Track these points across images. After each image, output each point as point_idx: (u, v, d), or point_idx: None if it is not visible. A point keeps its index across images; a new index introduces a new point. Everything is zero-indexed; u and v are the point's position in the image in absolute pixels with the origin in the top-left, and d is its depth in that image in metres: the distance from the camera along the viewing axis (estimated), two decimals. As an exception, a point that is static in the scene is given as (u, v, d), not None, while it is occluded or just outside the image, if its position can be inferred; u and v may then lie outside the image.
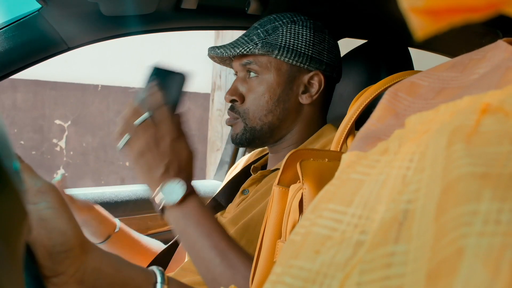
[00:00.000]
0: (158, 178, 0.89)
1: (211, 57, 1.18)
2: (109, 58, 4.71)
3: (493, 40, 0.40)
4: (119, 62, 4.78)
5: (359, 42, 1.37)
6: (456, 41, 1.41)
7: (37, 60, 1.17)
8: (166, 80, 0.95)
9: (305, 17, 1.14)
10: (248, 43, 1.10)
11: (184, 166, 0.91)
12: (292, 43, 1.09)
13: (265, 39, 1.10)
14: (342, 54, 1.26)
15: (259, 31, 1.12)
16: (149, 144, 0.89)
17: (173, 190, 0.88)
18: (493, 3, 0.21)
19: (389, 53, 1.30)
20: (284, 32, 1.10)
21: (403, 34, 1.40)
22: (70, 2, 1.12)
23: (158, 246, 1.31)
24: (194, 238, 0.87)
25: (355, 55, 1.33)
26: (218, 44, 3.81)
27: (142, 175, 0.90)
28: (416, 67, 1.31)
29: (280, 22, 1.12)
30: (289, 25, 1.11)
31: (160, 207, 0.89)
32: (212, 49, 1.14)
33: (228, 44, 1.13)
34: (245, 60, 1.11)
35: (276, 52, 1.08)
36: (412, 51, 1.35)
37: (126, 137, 0.91)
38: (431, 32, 0.22)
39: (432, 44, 1.52)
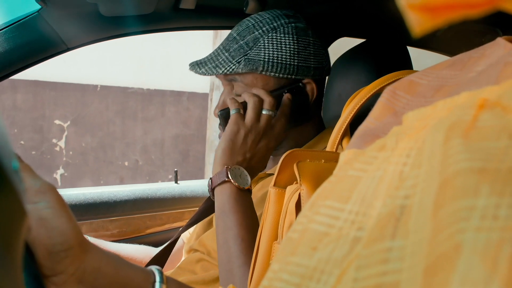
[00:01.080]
0: (231, 161, 0.95)
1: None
2: (109, 58, 4.71)
3: (493, 38, 0.40)
4: (118, 63, 4.78)
5: (357, 41, 1.37)
6: (455, 40, 1.41)
7: (36, 61, 1.17)
8: (297, 101, 1.07)
9: (286, 20, 1.07)
10: (230, 61, 1.05)
11: (257, 168, 0.99)
12: (276, 55, 1.03)
13: (246, 55, 1.04)
14: (340, 54, 1.26)
15: (239, 44, 1.06)
16: (250, 133, 0.98)
17: (240, 177, 0.94)
18: (491, 0, 0.21)
19: (387, 52, 1.29)
20: (266, 44, 1.04)
21: (402, 33, 1.40)
22: (69, 3, 1.12)
23: (142, 252, 1.32)
24: (231, 224, 0.89)
25: (353, 54, 1.32)
26: (217, 44, 3.82)
27: (221, 150, 0.96)
28: (415, 67, 1.31)
29: (260, 31, 1.05)
30: (270, 34, 1.04)
31: (216, 185, 0.93)
32: (193, 67, 1.09)
33: (209, 62, 1.07)
34: (230, 78, 1.07)
35: (261, 68, 1.03)
36: (411, 50, 1.35)
37: (235, 111, 0.99)
38: (428, 29, 0.22)
39: (431, 43, 1.51)
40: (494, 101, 0.27)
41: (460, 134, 0.26)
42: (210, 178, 0.96)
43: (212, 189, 0.95)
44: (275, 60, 1.04)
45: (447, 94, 0.38)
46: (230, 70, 1.04)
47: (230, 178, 0.92)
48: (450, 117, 0.28)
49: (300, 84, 1.07)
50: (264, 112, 0.99)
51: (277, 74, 1.04)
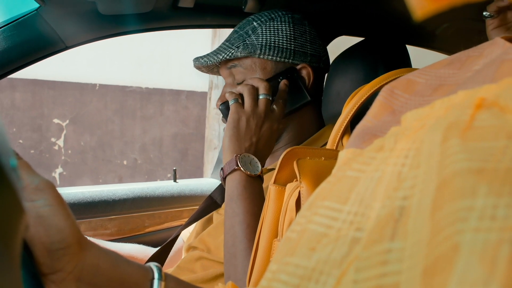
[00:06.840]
0: (239, 148, 0.97)
1: (198, 68, 1.18)
2: (107, 57, 4.70)
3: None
4: (117, 61, 4.77)
5: (356, 40, 1.37)
6: (454, 38, 1.41)
7: (35, 59, 1.16)
8: (294, 86, 1.10)
9: (283, 12, 1.13)
10: (230, 47, 1.10)
11: (264, 151, 1.01)
12: (272, 40, 1.09)
13: (245, 41, 1.10)
14: (339, 52, 1.26)
15: (239, 34, 1.12)
16: (252, 118, 1.00)
17: (250, 165, 0.96)
18: None
19: (386, 50, 1.29)
20: (264, 31, 1.10)
21: (401, 31, 1.40)
22: (68, 1, 1.12)
23: (141, 252, 1.32)
24: (238, 211, 0.92)
25: (352, 53, 1.32)
26: (216, 42, 3.82)
27: (228, 138, 0.99)
28: (414, 65, 1.31)
29: (259, 21, 1.12)
30: (267, 23, 1.11)
31: (227, 173, 0.95)
32: (196, 59, 1.15)
33: (211, 52, 1.13)
34: (230, 64, 1.12)
35: (258, 51, 1.08)
36: (410, 48, 1.35)
37: (234, 101, 1.02)
38: (430, 12, 0.22)
39: (430, 41, 1.51)
40: (491, 101, 0.26)
41: (457, 134, 0.26)
42: (222, 168, 0.98)
43: (223, 178, 0.97)
44: (272, 44, 1.09)
45: (445, 93, 0.38)
46: (230, 54, 1.09)
47: (240, 166, 0.94)
48: (447, 117, 0.28)
49: (296, 68, 1.10)
50: (261, 97, 1.03)
51: (274, 58, 1.09)
